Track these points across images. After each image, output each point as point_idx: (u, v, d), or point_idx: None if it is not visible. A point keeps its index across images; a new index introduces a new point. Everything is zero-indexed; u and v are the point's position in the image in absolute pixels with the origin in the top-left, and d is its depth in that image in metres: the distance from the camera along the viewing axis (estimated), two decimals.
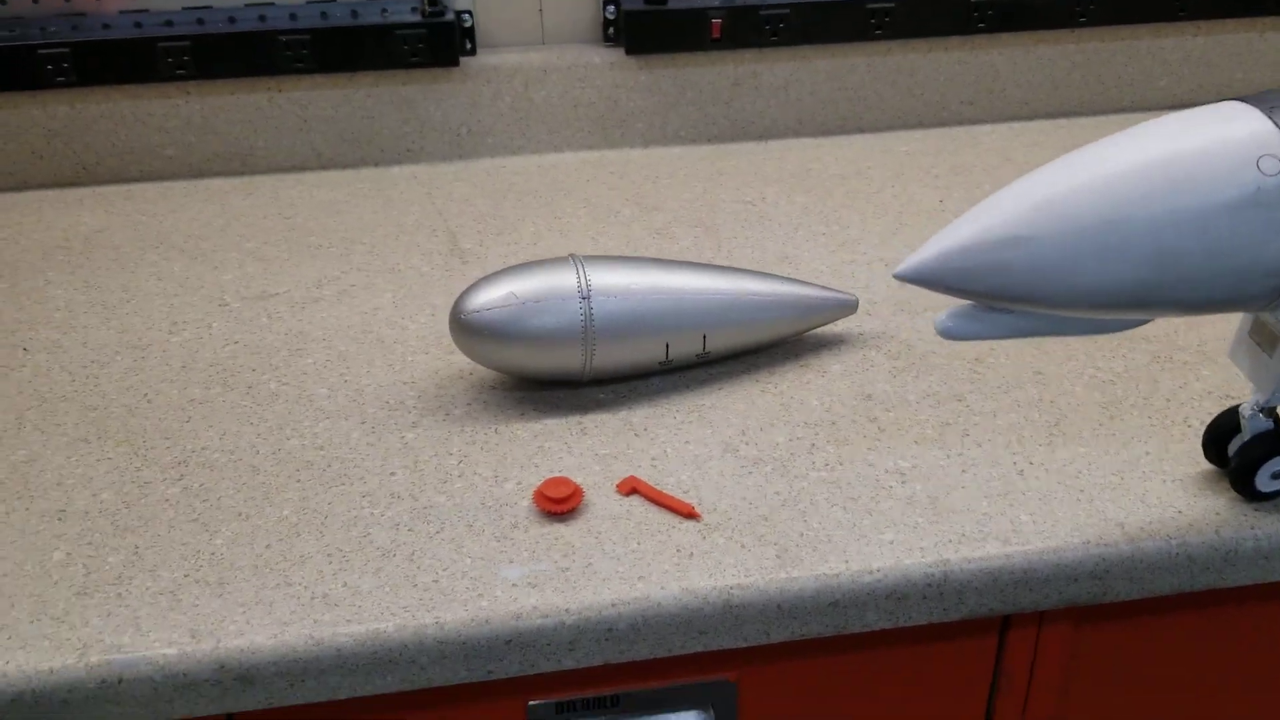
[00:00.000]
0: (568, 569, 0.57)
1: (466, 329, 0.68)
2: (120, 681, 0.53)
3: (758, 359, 0.74)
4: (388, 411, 0.70)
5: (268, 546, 0.59)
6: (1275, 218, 0.48)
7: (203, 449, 0.67)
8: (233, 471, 0.65)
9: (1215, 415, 0.62)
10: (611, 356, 0.69)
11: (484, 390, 0.72)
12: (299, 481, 0.64)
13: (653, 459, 0.65)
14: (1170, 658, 0.68)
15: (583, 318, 0.67)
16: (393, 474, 0.65)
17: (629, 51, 1.01)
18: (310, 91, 0.99)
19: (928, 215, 0.92)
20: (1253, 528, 0.59)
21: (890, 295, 0.81)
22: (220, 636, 0.54)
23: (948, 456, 0.65)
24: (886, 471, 0.64)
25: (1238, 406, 0.60)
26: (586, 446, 0.66)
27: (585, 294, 0.68)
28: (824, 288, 0.74)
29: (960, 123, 1.08)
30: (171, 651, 0.54)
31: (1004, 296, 0.50)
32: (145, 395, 0.72)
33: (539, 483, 0.63)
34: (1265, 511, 0.60)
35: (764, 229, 0.91)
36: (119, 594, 0.57)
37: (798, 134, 1.07)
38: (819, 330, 0.77)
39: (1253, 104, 0.51)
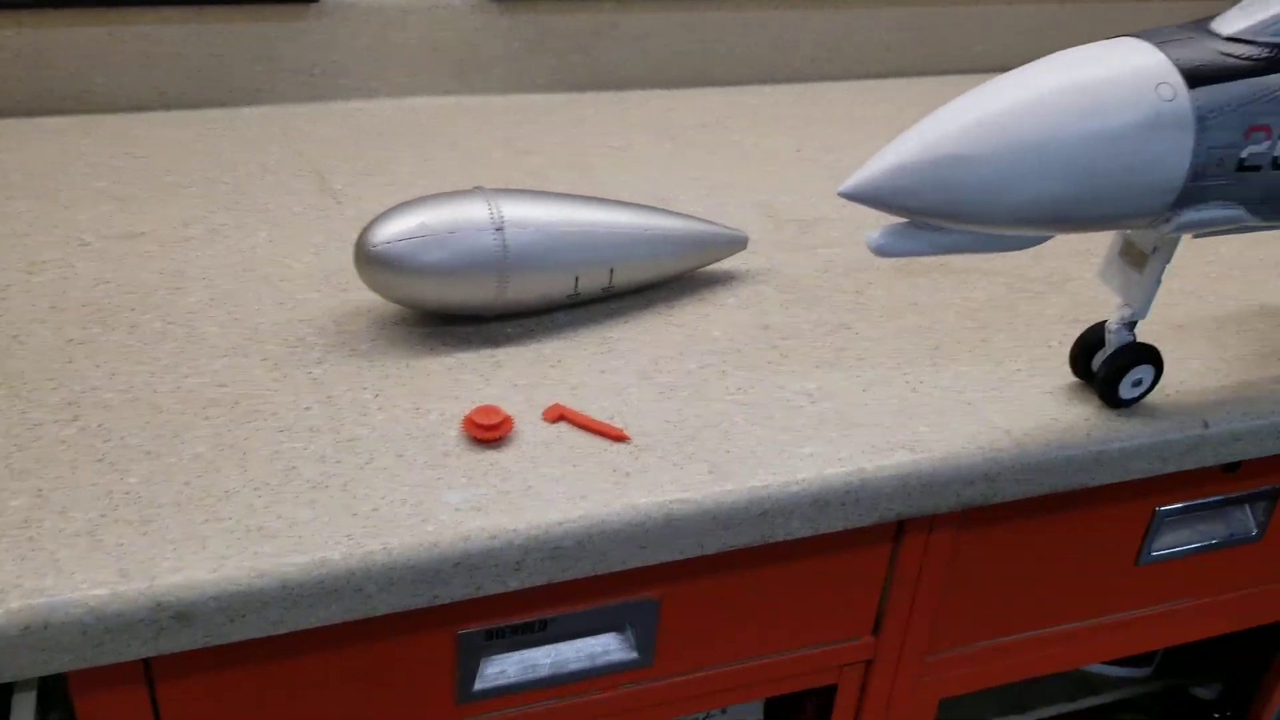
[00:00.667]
0: (508, 492, 0.58)
1: (375, 261, 0.67)
2: (46, 626, 0.50)
3: (657, 293, 0.76)
4: (288, 349, 0.68)
5: (186, 484, 0.57)
6: (1171, 137, 0.54)
7: (93, 389, 0.63)
8: (132, 411, 0.61)
9: (1081, 332, 0.69)
10: (524, 288, 0.69)
11: (387, 326, 0.70)
12: (207, 419, 0.61)
13: (572, 388, 0.66)
14: (1034, 555, 0.75)
15: (497, 249, 0.67)
16: (308, 409, 0.63)
17: None
18: (156, 26, 0.93)
19: (787, 161, 0.97)
20: (1117, 430, 0.66)
21: (768, 235, 0.85)
22: (154, 574, 0.51)
23: (847, 378, 0.69)
24: (795, 393, 0.67)
25: (1103, 323, 0.67)
26: (504, 378, 0.67)
27: (499, 225, 0.68)
28: (717, 224, 0.77)
29: (807, 79, 1.14)
30: (102, 592, 0.51)
31: (942, 214, 0.54)
32: (15, 336, 0.66)
33: (463, 413, 0.63)
34: (1125, 416, 0.67)
35: (637, 173, 0.93)
36: (29, 537, 0.53)
37: (654, 84, 1.09)
38: (710, 267, 0.80)
39: (1145, 39, 0.57)
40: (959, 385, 0.69)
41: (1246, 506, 0.79)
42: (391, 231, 0.67)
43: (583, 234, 0.70)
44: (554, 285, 0.70)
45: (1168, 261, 0.62)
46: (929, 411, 0.66)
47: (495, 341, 0.70)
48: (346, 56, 0.99)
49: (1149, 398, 0.68)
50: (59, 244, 0.76)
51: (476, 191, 0.69)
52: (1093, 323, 0.74)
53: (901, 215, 0.55)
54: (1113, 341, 0.66)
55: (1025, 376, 0.70)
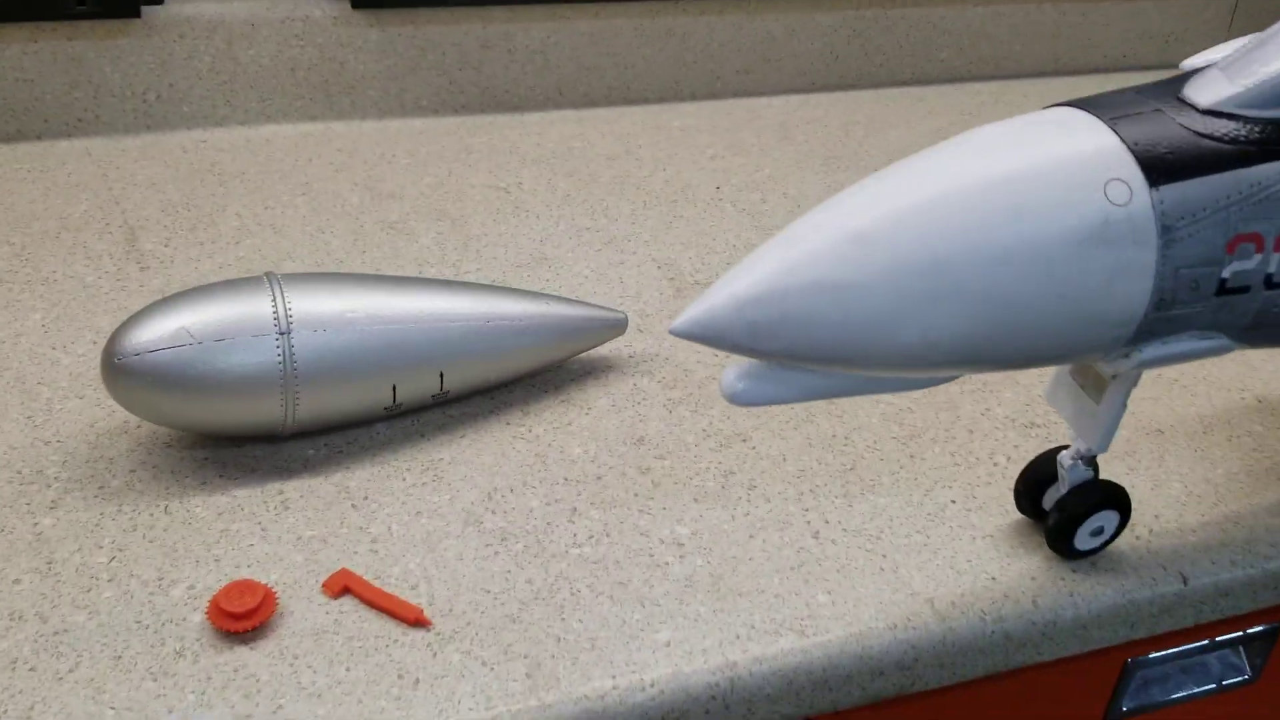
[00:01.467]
0: (249, 715, 0.44)
1: (124, 375, 0.52)
2: None
3: (509, 395, 0.62)
4: (19, 486, 0.53)
5: None
6: (1124, 257, 0.39)
7: None
8: None
9: (1029, 461, 0.54)
10: (321, 404, 0.55)
11: (155, 450, 0.56)
12: None
13: (373, 540, 0.52)
14: None
15: (280, 358, 0.53)
16: (16, 582, 0.48)
17: (355, 5, 0.85)
18: None
19: (704, 205, 0.82)
20: (1071, 594, 0.52)
21: (664, 306, 0.70)
22: None
23: (732, 517, 0.55)
24: (662, 541, 0.53)
25: (1054, 453, 0.53)
26: (287, 526, 0.52)
27: (284, 327, 0.53)
28: (587, 304, 0.62)
29: (736, 94, 0.98)
30: None
31: (809, 357, 0.40)
32: None
33: (219, 585, 0.49)
34: (1083, 573, 0.53)
35: (519, 222, 0.78)
36: None
37: (558, 105, 0.94)
38: (586, 355, 0.65)
39: (1091, 111, 0.42)
40: (874, 527, 0.54)
41: (1240, 649, 0.64)
42: (145, 339, 0.52)
43: (399, 331, 0.56)
44: (362, 398, 0.56)
45: (1132, 387, 0.48)
46: (831, 570, 0.52)
47: (288, 470, 0.55)
48: (185, 79, 0.84)
49: (1115, 543, 0.54)
50: None
51: (262, 280, 0.55)
52: (1047, 446, 0.59)
53: (758, 357, 0.41)
54: (1066, 479, 0.51)
55: (959, 512, 0.56)
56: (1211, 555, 0.54)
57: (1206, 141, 0.40)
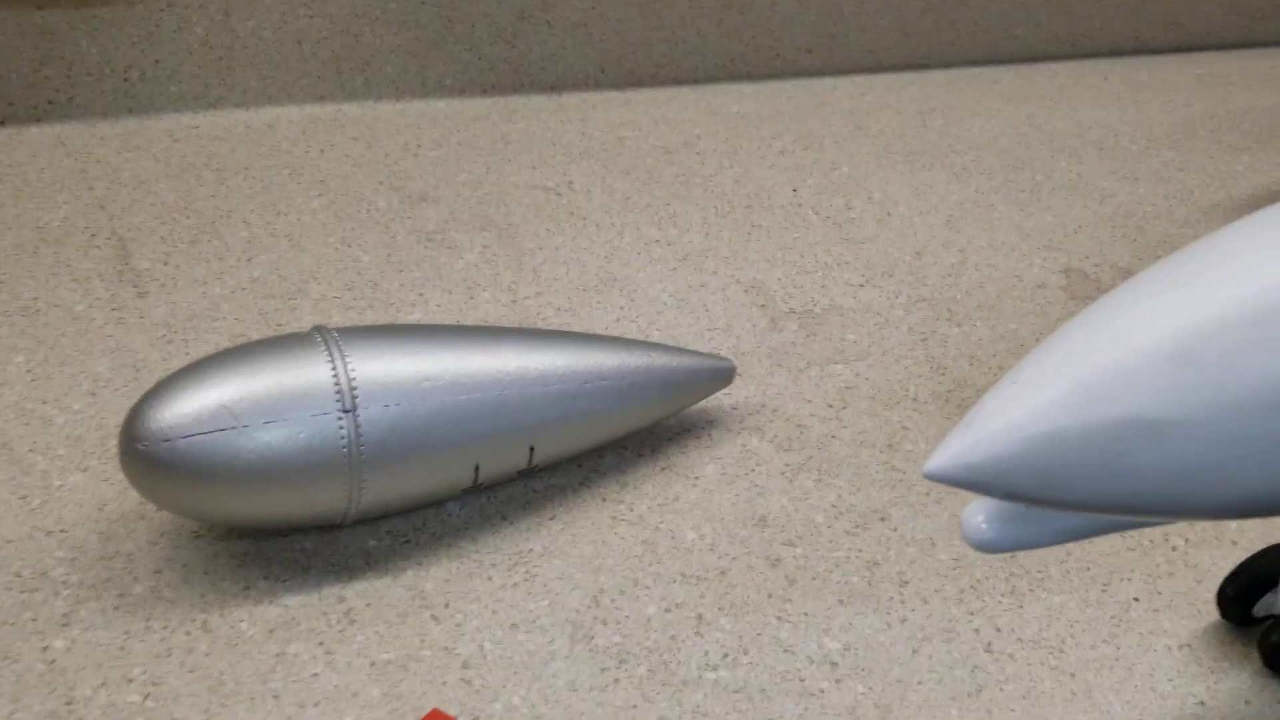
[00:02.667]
0: None
1: (150, 465, 0.42)
2: None
3: (600, 462, 0.52)
4: (21, 595, 0.43)
5: None
6: None
7: None
8: None
9: (1243, 561, 0.46)
10: (391, 490, 0.45)
11: (182, 543, 0.46)
12: None
13: (464, 665, 0.42)
14: None
15: (344, 439, 0.43)
16: None
17: None
18: None
19: (783, 212, 0.72)
20: None
21: (760, 342, 0.60)
22: None
23: (889, 626, 0.46)
24: (810, 660, 0.44)
25: (1277, 550, 0.44)
26: (357, 648, 0.42)
27: (348, 404, 0.43)
28: (691, 353, 0.53)
29: (797, 74, 0.88)
30: None
31: (1104, 509, 0.30)
32: None
33: None
34: None
35: (577, 232, 0.68)
36: None
37: (599, 85, 0.83)
38: (683, 412, 0.55)
39: None
40: (1053, 636, 0.46)
41: None
42: (177, 420, 0.42)
43: (483, 401, 0.46)
44: (439, 480, 0.46)
45: None
46: (1014, 695, 0.43)
47: (348, 567, 0.45)
48: (174, 55, 0.72)
49: None
50: None
51: (315, 339, 0.44)
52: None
53: (1045, 507, 0.31)
54: None
55: (1146, 613, 0.47)
56: None
57: None
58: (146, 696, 0.40)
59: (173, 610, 0.43)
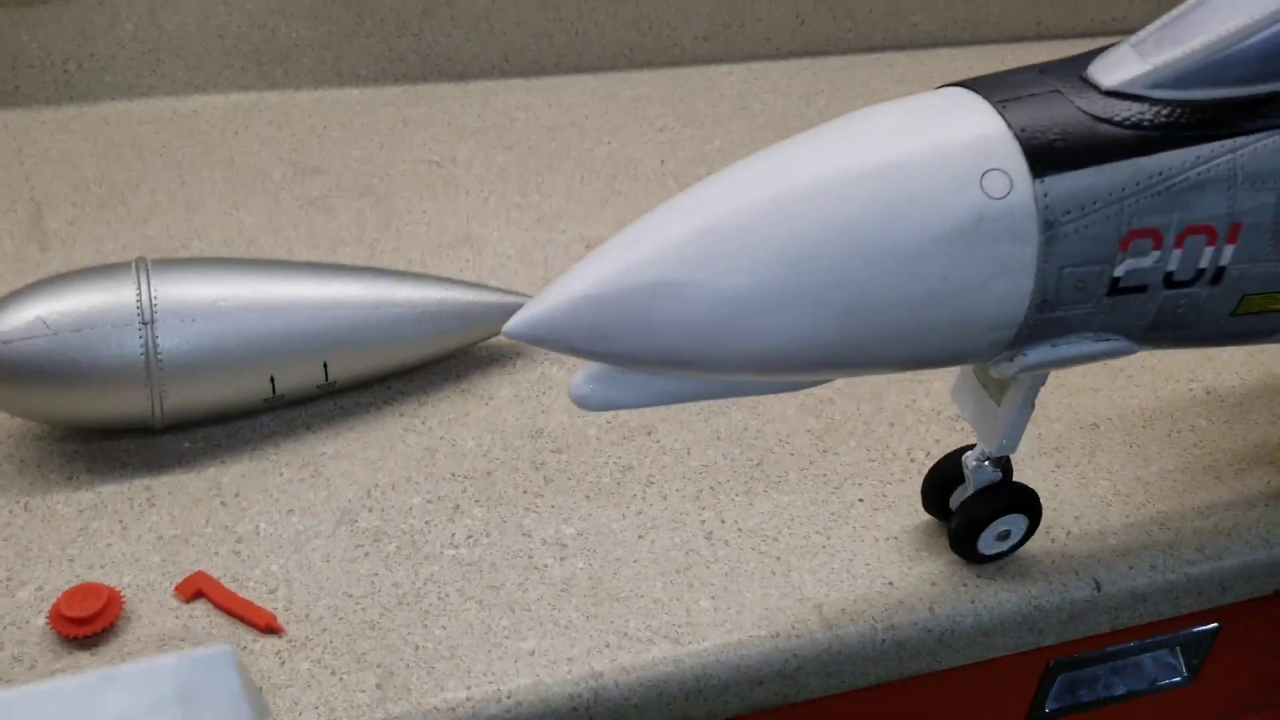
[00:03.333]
0: None
1: None
2: None
3: (406, 384, 0.59)
4: None
5: None
6: (999, 255, 0.36)
7: None
8: None
9: (936, 461, 0.50)
10: (191, 397, 0.52)
11: (24, 443, 0.54)
12: None
13: (238, 540, 0.49)
14: None
15: (143, 349, 0.50)
16: None
17: None
18: None
19: (646, 181, 0.78)
20: (972, 600, 0.48)
21: None
22: None
23: (624, 516, 0.52)
24: (544, 542, 0.50)
25: (960, 452, 0.49)
26: (149, 525, 0.50)
27: (148, 317, 0.50)
28: (492, 289, 0.59)
29: (695, 62, 0.94)
30: None
31: (652, 361, 0.36)
32: None
33: (68, 587, 0.46)
34: (988, 578, 0.49)
35: (447, 199, 0.75)
36: None
37: (504, 74, 0.90)
38: (493, 341, 0.62)
39: (981, 93, 0.38)
40: (772, 527, 0.51)
41: (1176, 649, 0.61)
42: (2, 329, 0.50)
43: (277, 319, 0.53)
44: (237, 389, 0.53)
45: (1038, 386, 0.44)
46: (719, 573, 0.49)
47: (160, 465, 0.53)
48: (108, 48, 0.81)
49: (1026, 545, 0.51)
50: None
51: (130, 267, 0.52)
52: (971, 442, 0.56)
53: (600, 361, 0.37)
54: (972, 480, 0.48)
55: (865, 512, 0.52)
56: (1130, 559, 0.50)
57: (1103, 127, 0.36)
58: None
59: (1, 494, 0.51)
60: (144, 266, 0.52)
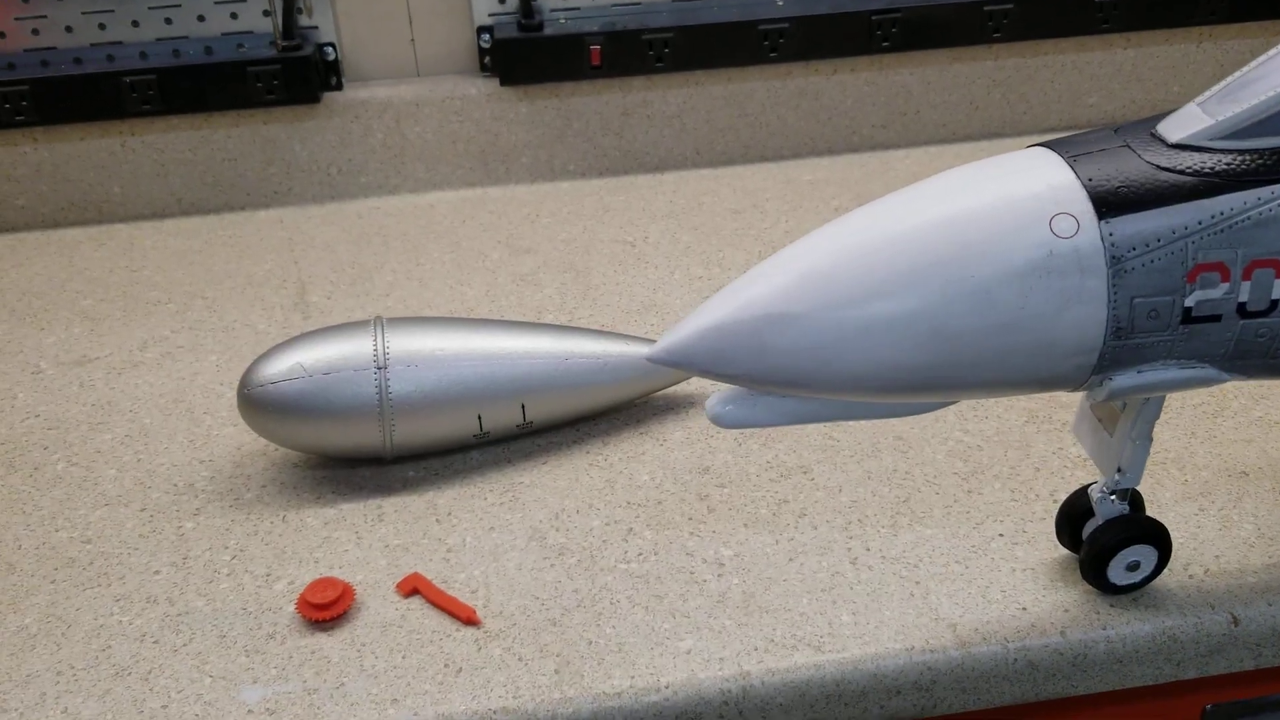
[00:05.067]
0: (316, 690, 0.51)
1: (252, 405, 0.61)
2: None
3: (592, 428, 0.67)
4: (173, 496, 0.63)
5: None
6: (1069, 286, 0.41)
7: None
8: None
9: (1069, 495, 0.54)
10: (415, 432, 0.62)
11: (285, 470, 0.65)
12: (53, 583, 0.58)
13: (448, 550, 0.58)
14: None
15: (377, 390, 0.61)
16: (157, 572, 0.58)
17: (504, 82, 0.94)
18: (165, 134, 0.93)
19: None
20: (1105, 627, 0.51)
21: None
22: None
23: (776, 542, 0.58)
24: (704, 561, 0.57)
25: (1087, 487, 0.53)
26: (379, 536, 0.60)
27: (381, 363, 0.61)
28: None
29: (873, 148, 1.01)
30: None
31: (768, 381, 0.43)
32: None
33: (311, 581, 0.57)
34: (1120, 607, 0.52)
35: (637, 272, 0.84)
36: None
37: (695, 164, 1.00)
38: (668, 391, 0.70)
39: (1057, 150, 0.43)
40: (913, 556, 0.56)
41: None
42: (268, 373, 0.61)
43: (484, 366, 0.62)
44: (452, 426, 0.63)
45: (1152, 420, 0.48)
46: (861, 593, 0.54)
47: (389, 488, 0.63)
48: (362, 154, 0.96)
49: (1161, 580, 0.53)
50: (14, 371, 0.76)
51: (368, 324, 0.63)
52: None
53: (728, 383, 0.44)
54: (1099, 512, 0.51)
55: (1005, 546, 0.56)
56: (1269, 596, 0.52)
57: (1167, 174, 0.41)
58: (234, 558, 0.59)
59: (266, 509, 0.62)
60: (380, 323, 0.63)
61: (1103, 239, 0.40)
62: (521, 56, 0.93)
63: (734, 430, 0.57)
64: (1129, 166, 0.41)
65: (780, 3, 0.96)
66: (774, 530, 0.58)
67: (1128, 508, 0.51)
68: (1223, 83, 0.44)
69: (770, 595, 0.54)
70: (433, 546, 0.59)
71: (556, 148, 0.98)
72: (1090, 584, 0.52)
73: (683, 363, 0.43)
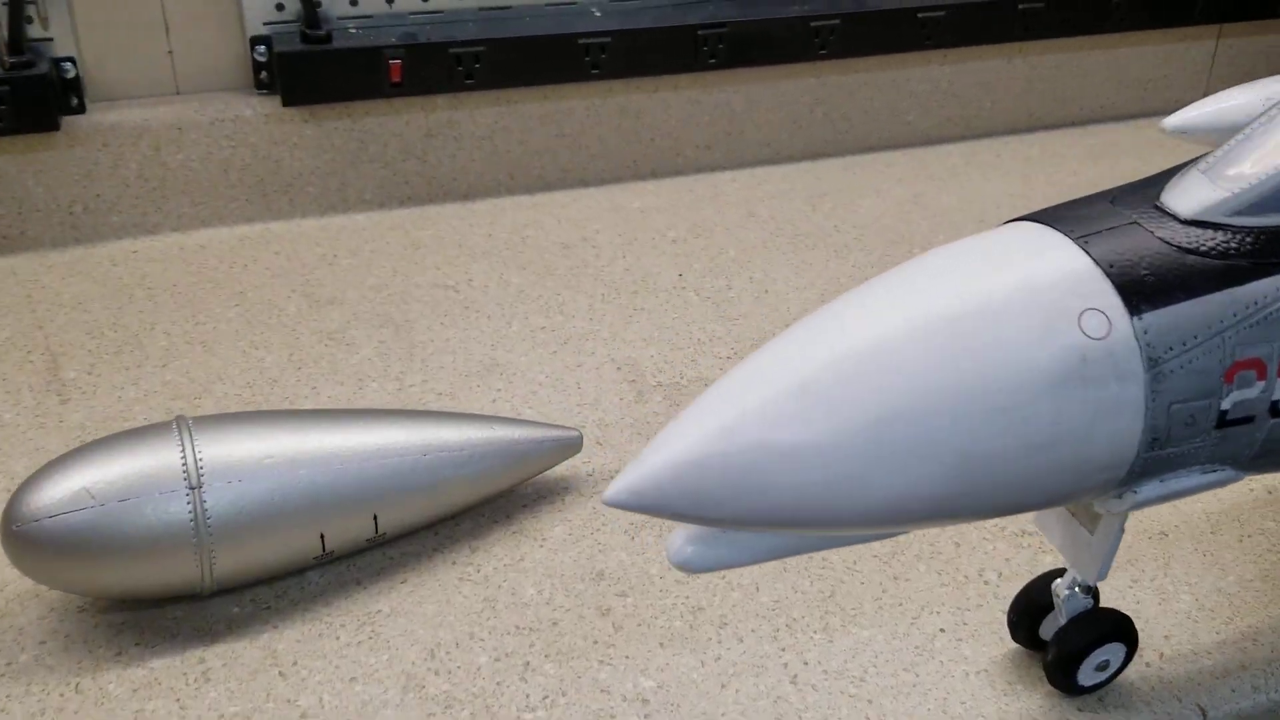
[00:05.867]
0: None
1: (23, 543, 0.47)
2: None
3: (455, 529, 0.57)
4: None
5: None
6: (1107, 396, 0.35)
7: None
8: None
9: (1022, 587, 0.49)
10: (241, 561, 0.50)
11: (67, 617, 0.51)
12: None
13: (302, 715, 0.47)
14: None
15: (191, 515, 0.48)
16: None
17: (287, 102, 0.80)
18: None
19: (666, 295, 0.77)
20: None
21: (625, 414, 0.65)
22: None
23: (702, 664, 0.50)
24: (624, 699, 0.48)
25: (1048, 579, 0.48)
26: (209, 703, 0.47)
27: (195, 481, 0.48)
28: (537, 425, 0.58)
29: (698, 170, 0.94)
30: None
31: (761, 523, 0.35)
32: None
33: None
34: (1089, 710, 0.48)
35: (469, 325, 0.73)
36: None
37: (510, 191, 0.90)
38: (539, 479, 0.60)
39: (1058, 228, 0.37)
40: (857, 667, 0.49)
41: None
42: (43, 502, 0.47)
43: (324, 474, 0.51)
44: (286, 550, 0.51)
45: (1128, 514, 0.43)
46: None
47: (211, 632, 0.50)
48: (113, 188, 0.79)
49: (1123, 673, 0.49)
50: None
51: (171, 428, 0.50)
52: (1041, 557, 0.55)
53: (701, 525, 0.36)
54: (1064, 609, 0.46)
55: (949, 643, 0.51)
56: (1230, 682, 0.49)
57: (1192, 258, 0.36)
58: None
59: (51, 675, 0.48)
60: (185, 426, 0.50)
61: (1137, 338, 0.35)
62: (307, 72, 0.80)
63: (689, 565, 0.48)
64: (1148, 248, 0.35)
65: (599, 14, 0.88)
66: (695, 648, 0.50)
67: (1091, 601, 0.46)
68: (1225, 146, 0.39)
69: None
70: (281, 712, 0.47)
71: (349, 175, 0.85)
72: (1056, 688, 0.47)
73: (653, 507, 0.34)
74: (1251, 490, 0.60)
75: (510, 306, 0.76)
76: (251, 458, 0.50)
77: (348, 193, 0.85)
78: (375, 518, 0.52)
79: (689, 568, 0.37)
